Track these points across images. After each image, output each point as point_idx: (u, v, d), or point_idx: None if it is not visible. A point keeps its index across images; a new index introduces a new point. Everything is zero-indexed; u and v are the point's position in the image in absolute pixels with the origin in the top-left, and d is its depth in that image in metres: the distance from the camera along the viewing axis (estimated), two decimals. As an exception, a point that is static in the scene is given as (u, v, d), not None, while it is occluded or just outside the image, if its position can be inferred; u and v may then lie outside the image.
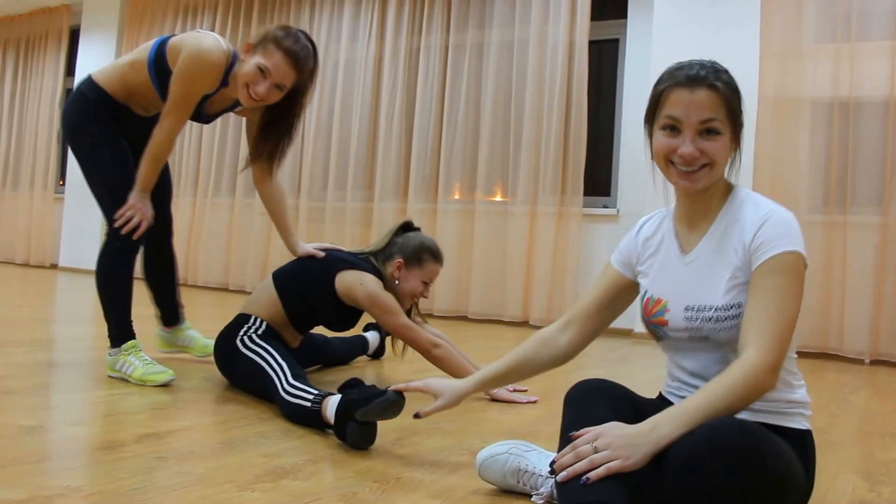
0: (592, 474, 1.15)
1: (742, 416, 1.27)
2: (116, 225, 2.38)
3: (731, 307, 1.32)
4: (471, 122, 5.44)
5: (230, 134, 6.54)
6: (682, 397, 1.40)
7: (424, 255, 2.59)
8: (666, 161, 1.36)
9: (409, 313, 2.62)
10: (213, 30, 6.30)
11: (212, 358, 2.56)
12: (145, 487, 1.42)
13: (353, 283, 2.43)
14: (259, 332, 2.37)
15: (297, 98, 2.42)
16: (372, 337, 3.25)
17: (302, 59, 2.32)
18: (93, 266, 2.48)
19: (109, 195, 2.43)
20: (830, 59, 4.31)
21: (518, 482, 1.50)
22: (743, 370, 1.22)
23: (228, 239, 6.51)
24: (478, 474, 1.55)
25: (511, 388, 2.55)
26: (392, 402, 1.71)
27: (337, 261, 2.51)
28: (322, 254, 2.55)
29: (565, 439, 1.27)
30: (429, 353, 2.46)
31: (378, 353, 3.28)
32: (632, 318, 4.31)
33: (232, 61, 2.37)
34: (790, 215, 1.34)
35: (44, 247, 7.89)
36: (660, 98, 1.35)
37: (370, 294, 2.42)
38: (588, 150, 5.02)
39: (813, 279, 4.16)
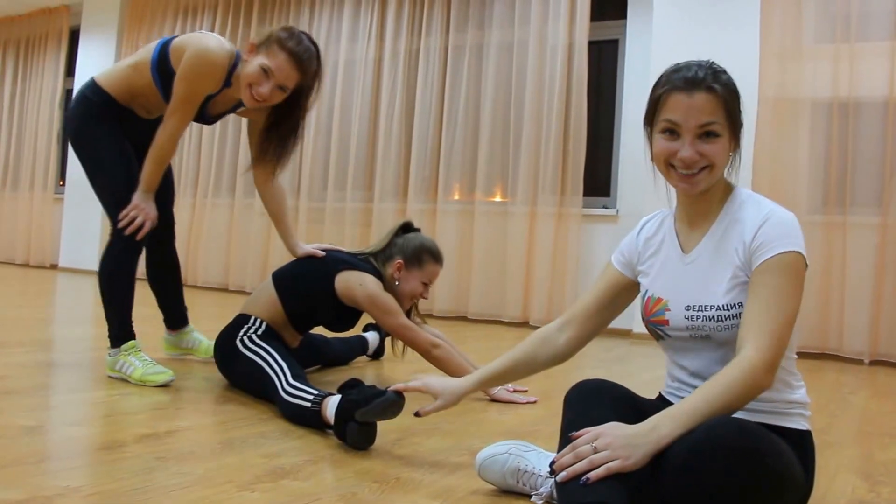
0: (592, 474, 1.15)
1: (742, 416, 1.27)
2: (120, 225, 2.39)
3: (733, 307, 1.33)
4: (470, 123, 5.44)
5: (230, 134, 6.55)
6: (682, 398, 1.40)
7: (424, 256, 2.60)
8: (666, 164, 1.37)
9: (408, 314, 2.62)
10: (212, 30, 6.31)
11: (213, 359, 2.57)
12: (145, 488, 1.42)
13: (353, 283, 2.43)
14: (259, 332, 2.37)
15: (300, 100, 2.42)
16: (371, 337, 3.25)
17: (305, 60, 2.32)
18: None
19: (113, 197, 2.43)
20: (830, 59, 4.32)
21: (518, 482, 1.50)
22: (741, 369, 1.23)
23: (228, 239, 6.51)
24: (477, 474, 1.55)
25: (511, 389, 2.55)
26: (392, 403, 1.72)
27: (337, 261, 2.51)
28: (322, 254, 2.56)
29: (565, 439, 1.27)
30: (428, 353, 2.46)
31: (378, 354, 3.28)
32: (630, 318, 4.33)
33: (235, 62, 2.37)
34: (791, 215, 1.34)
35: (44, 247, 7.88)
36: (658, 102, 1.36)
37: (370, 294, 2.42)
38: (588, 150, 5.02)
39: (812, 279, 4.16)
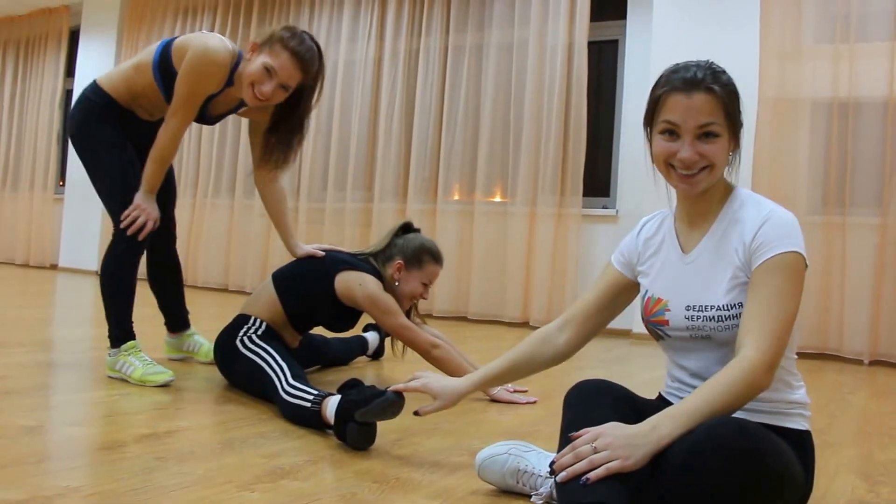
0: (592, 475, 1.15)
1: (742, 416, 1.27)
2: (122, 226, 2.39)
3: (733, 307, 1.33)
4: (470, 123, 5.44)
5: (230, 135, 6.55)
6: (682, 398, 1.40)
7: (424, 257, 2.60)
8: (666, 164, 1.37)
9: (408, 314, 2.62)
10: (212, 30, 6.30)
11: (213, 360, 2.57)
12: (145, 488, 1.42)
13: (353, 283, 2.43)
14: (259, 332, 2.37)
15: (301, 99, 2.43)
16: (371, 337, 3.25)
17: (307, 59, 2.33)
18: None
19: (116, 198, 2.44)
20: (830, 59, 4.32)
21: (517, 482, 1.50)
22: (741, 369, 1.23)
23: (228, 239, 6.51)
24: (477, 475, 1.55)
25: (511, 389, 2.55)
26: (391, 403, 1.72)
27: (336, 261, 2.51)
28: (322, 254, 2.56)
29: (565, 439, 1.27)
30: (428, 353, 2.46)
31: (377, 354, 3.28)
32: (630, 318, 4.33)
33: (237, 61, 2.38)
34: (791, 216, 1.34)
35: (43, 247, 7.88)
36: (657, 102, 1.36)
37: (369, 295, 2.42)
38: (587, 150, 5.02)
39: (812, 280, 4.16)
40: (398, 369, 3.06)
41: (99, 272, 2.49)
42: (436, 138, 5.56)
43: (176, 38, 2.43)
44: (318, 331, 2.77)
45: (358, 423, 1.76)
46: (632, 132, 5.03)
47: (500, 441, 1.57)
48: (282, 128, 2.49)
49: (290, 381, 2.08)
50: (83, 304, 4.89)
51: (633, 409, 1.35)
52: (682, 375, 1.44)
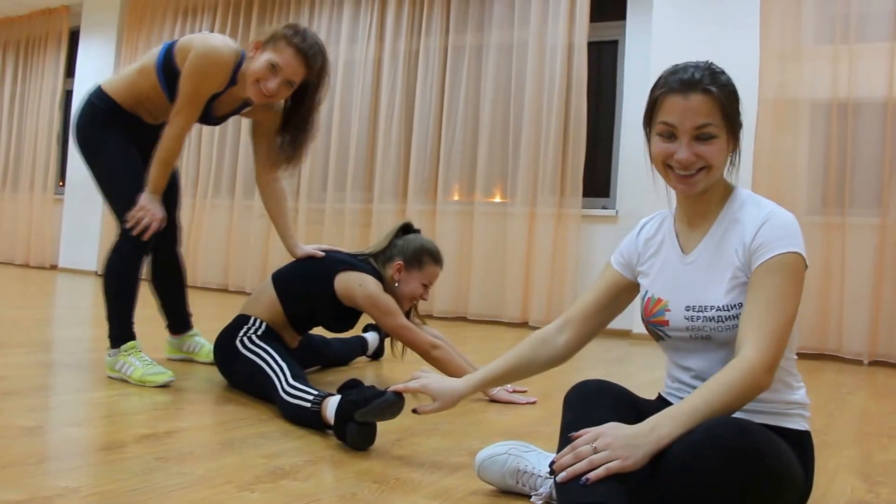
0: (592, 475, 1.15)
1: (741, 416, 1.27)
2: (127, 226, 2.40)
3: (733, 307, 1.33)
4: (470, 124, 5.44)
5: (230, 135, 6.54)
6: (682, 398, 1.40)
7: (424, 258, 2.60)
8: (664, 165, 1.37)
9: (408, 314, 2.62)
10: (212, 30, 6.30)
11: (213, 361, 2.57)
12: (145, 488, 1.42)
13: (353, 284, 2.44)
14: (259, 332, 2.38)
15: (305, 96, 2.43)
16: (371, 338, 3.25)
17: (311, 55, 2.34)
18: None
19: (121, 199, 2.45)
20: (829, 60, 4.32)
21: (517, 483, 1.51)
22: (741, 369, 1.23)
23: (228, 240, 6.50)
24: (477, 475, 1.55)
25: (511, 389, 2.55)
26: (391, 403, 1.72)
27: (336, 262, 2.51)
28: (321, 254, 2.56)
29: (565, 440, 1.27)
30: (428, 354, 2.46)
31: (377, 354, 3.28)
32: (630, 318, 4.33)
33: (240, 60, 2.39)
34: (791, 216, 1.34)
35: (43, 248, 7.88)
36: (655, 104, 1.36)
37: (369, 295, 2.42)
38: (587, 151, 5.02)
39: (811, 280, 4.16)
40: (398, 370, 3.06)
41: (103, 272, 2.50)
42: (435, 139, 5.56)
43: (179, 39, 2.45)
44: (318, 331, 2.77)
45: (358, 423, 1.76)
46: (632, 133, 5.03)
47: (500, 441, 1.57)
48: (289, 126, 2.49)
49: (290, 381, 2.08)
50: (83, 304, 4.89)
51: (633, 409, 1.35)
52: (682, 376, 1.44)
